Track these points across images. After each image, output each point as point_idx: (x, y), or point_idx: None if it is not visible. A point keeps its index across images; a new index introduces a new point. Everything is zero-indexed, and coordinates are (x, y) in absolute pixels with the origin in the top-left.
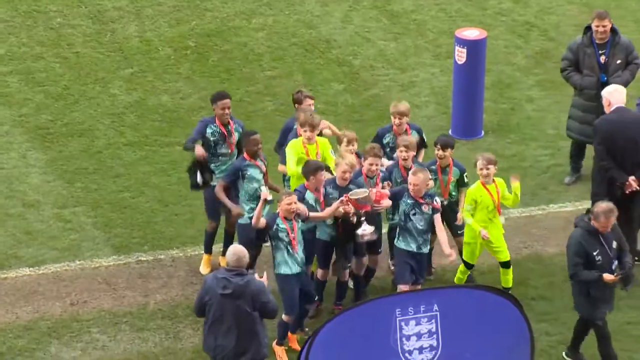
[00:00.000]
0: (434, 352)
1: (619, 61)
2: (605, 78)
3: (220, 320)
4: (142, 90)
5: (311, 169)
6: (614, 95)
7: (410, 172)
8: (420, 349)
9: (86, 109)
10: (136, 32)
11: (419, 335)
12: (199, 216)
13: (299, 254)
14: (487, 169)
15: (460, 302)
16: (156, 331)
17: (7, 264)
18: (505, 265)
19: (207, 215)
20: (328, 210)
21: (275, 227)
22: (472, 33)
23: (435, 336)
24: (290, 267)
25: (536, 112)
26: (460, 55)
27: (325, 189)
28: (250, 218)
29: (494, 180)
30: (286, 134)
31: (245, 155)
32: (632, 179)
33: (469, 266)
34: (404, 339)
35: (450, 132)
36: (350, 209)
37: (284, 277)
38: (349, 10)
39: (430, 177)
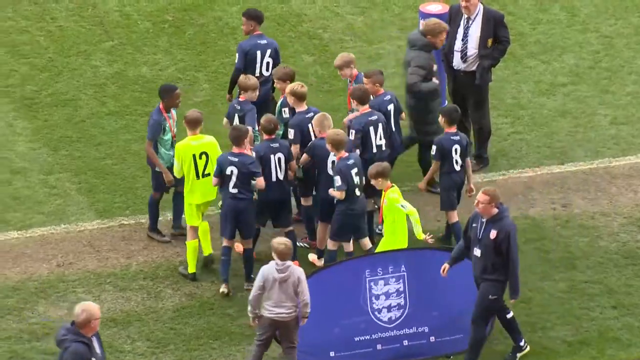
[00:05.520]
0: (401, 311)
1: None
2: None
3: None
4: (123, 62)
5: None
6: None
7: None
8: (389, 308)
9: (69, 80)
10: (116, 7)
11: (387, 295)
12: None
13: None
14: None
15: (426, 262)
16: (138, 291)
17: None
18: None
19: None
20: None
21: None
22: (435, 7)
23: (403, 295)
24: None
25: (496, 82)
26: None
27: None
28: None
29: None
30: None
31: (162, 107)
32: None
33: None
34: (373, 298)
35: None
36: None
37: None
38: None
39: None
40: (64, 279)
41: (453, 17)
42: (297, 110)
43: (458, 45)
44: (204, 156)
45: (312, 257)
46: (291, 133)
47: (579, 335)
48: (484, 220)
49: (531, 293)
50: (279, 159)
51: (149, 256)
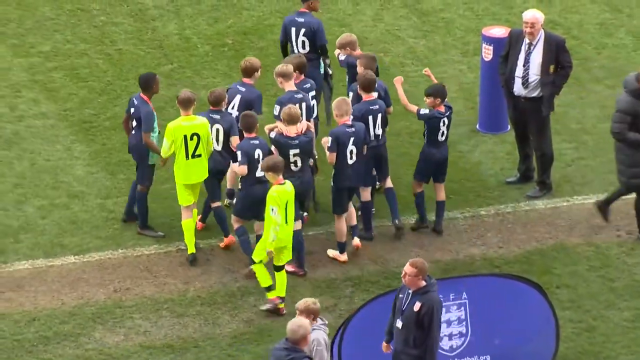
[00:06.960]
0: (463, 339)
1: None
2: None
3: None
4: (182, 85)
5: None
6: None
7: None
8: (450, 336)
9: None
10: (176, 30)
11: (448, 323)
12: None
13: None
14: None
15: (488, 289)
16: (195, 317)
17: (53, 252)
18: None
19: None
20: None
21: None
22: (498, 31)
23: (464, 323)
24: None
25: (560, 107)
26: (487, 52)
27: None
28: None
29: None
30: None
31: (146, 98)
32: None
33: None
34: None
35: (477, 126)
36: None
37: None
38: (380, 9)
39: None
40: (120, 305)
41: (513, 42)
42: (286, 89)
43: (519, 71)
44: (195, 137)
45: (332, 252)
46: (276, 109)
47: None
48: (410, 291)
49: (595, 322)
50: (217, 130)
51: (207, 282)
